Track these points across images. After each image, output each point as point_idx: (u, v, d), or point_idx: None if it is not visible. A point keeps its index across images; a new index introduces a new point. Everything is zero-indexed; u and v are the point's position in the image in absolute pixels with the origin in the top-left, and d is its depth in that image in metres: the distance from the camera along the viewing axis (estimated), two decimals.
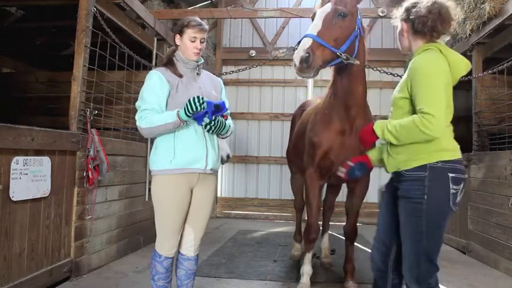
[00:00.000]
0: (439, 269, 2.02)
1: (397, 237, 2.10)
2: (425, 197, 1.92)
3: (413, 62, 2.02)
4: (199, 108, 2.13)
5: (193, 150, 2.28)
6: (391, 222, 2.14)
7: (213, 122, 2.22)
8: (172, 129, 2.22)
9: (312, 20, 2.75)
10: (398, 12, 2.18)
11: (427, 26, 2.05)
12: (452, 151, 2.00)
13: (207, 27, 2.40)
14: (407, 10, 2.12)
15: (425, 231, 1.94)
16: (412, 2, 2.12)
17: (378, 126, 2.06)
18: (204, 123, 2.24)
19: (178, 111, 2.18)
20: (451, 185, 1.93)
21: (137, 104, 2.31)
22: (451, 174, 1.93)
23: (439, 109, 1.87)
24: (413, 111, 1.99)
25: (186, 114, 2.15)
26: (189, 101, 2.14)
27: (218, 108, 2.21)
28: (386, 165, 2.13)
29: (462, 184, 1.98)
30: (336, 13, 2.64)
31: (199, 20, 2.37)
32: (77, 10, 3.68)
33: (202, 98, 2.15)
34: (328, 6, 2.68)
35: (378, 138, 2.08)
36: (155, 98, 2.26)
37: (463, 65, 2.06)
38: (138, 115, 2.27)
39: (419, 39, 2.10)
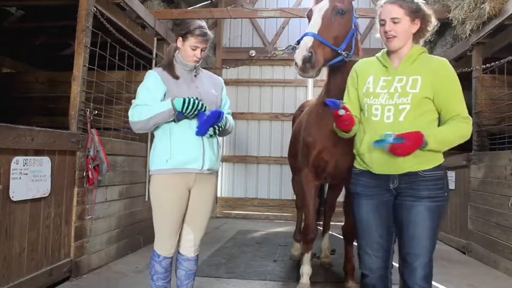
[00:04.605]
0: None
1: (391, 238, 2.08)
2: (446, 194, 1.98)
3: (441, 63, 1.99)
4: (191, 109, 2.16)
5: (189, 149, 2.26)
6: (387, 226, 2.06)
7: (214, 135, 2.32)
8: (168, 118, 2.21)
9: (308, 18, 2.68)
10: (407, 7, 1.98)
11: (429, 30, 2.04)
12: None
13: (211, 36, 2.37)
14: (419, 8, 2.00)
15: (437, 229, 2.01)
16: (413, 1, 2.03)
17: (431, 138, 1.87)
18: (208, 135, 2.27)
19: (172, 99, 2.19)
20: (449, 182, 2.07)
21: (132, 102, 2.32)
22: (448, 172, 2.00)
23: None
24: (431, 112, 1.96)
25: (181, 107, 2.17)
26: (189, 98, 2.17)
27: (214, 120, 2.24)
28: (399, 166, 1.94)
29: None
30: (334, 10, 2.57)
31: (205, 30, 2.32)
32: (77, 10, 3.68)
33: (202, 105, 2.20)
34: (325, 3, 2.59)
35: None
36: (149, 95, 2.26)
37: None
38: (130, 111, 2.27)
39: (412, 40, 2.04)
